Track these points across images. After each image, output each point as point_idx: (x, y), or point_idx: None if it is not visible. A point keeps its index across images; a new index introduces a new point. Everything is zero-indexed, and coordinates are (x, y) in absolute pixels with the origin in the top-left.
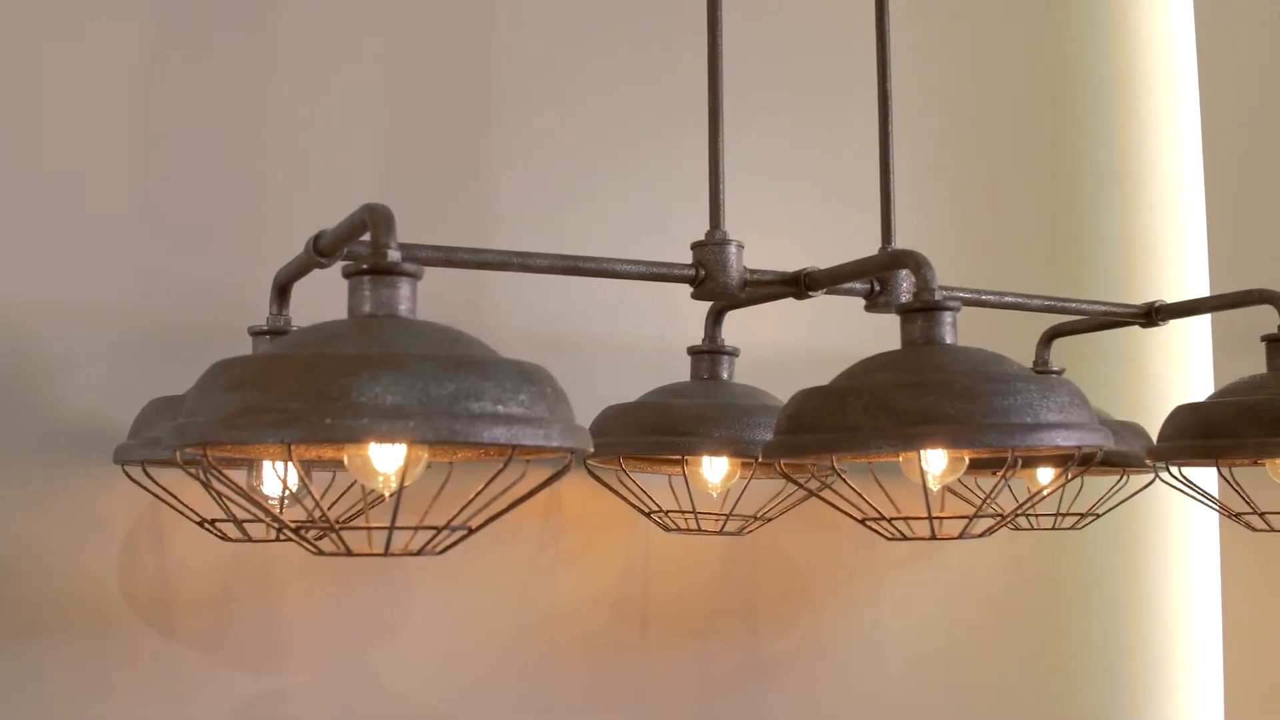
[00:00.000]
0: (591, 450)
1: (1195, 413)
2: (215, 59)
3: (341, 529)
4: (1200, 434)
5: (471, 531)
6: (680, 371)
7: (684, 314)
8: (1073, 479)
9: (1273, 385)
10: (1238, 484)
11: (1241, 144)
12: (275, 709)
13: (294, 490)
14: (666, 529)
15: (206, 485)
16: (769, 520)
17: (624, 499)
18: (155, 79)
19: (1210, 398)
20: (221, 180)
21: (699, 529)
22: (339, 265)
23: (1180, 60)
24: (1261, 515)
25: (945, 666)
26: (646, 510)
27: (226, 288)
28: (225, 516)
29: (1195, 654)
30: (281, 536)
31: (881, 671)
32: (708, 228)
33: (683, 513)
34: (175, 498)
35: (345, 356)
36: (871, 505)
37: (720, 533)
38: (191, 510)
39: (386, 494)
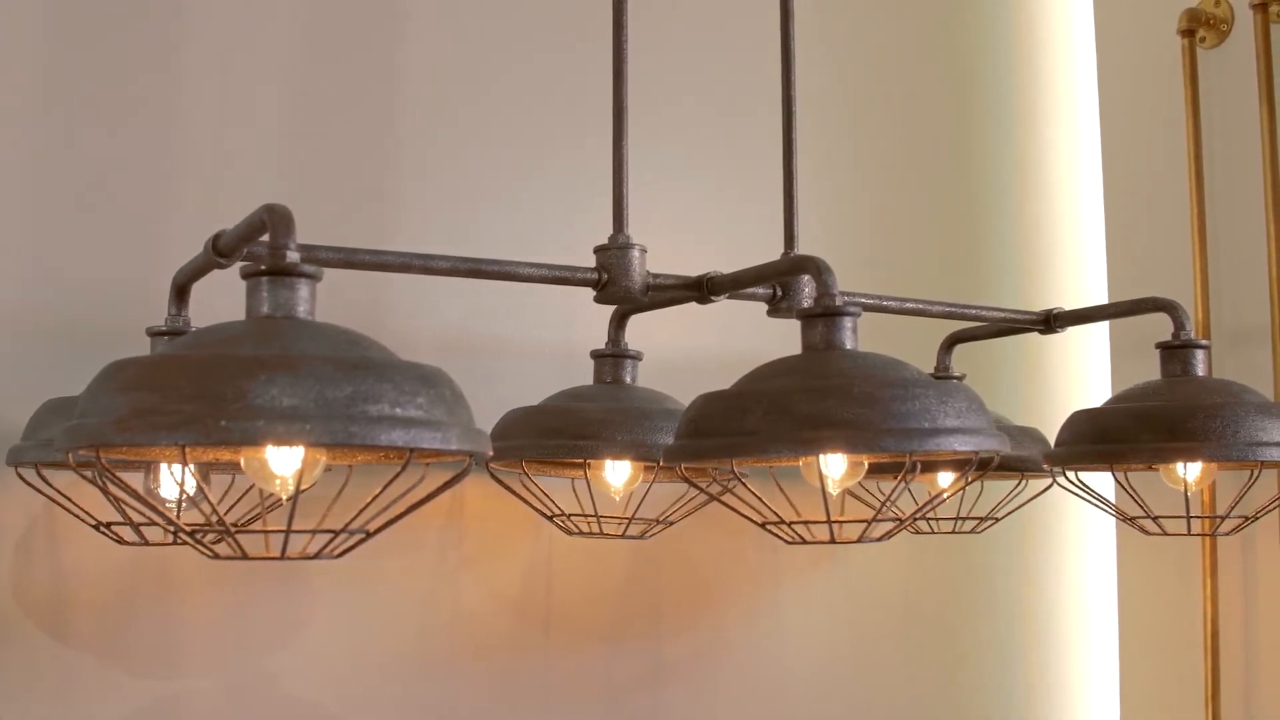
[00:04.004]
0: (490, 454)
1: (1092, 418)
2: (117, 55)
3: (238, 533)
4: (1096, 439)
5: (369, 535)
6: (584, 375)
7: (588, 317)
8: (971, 483)
9: (1166, 392)
10: (1132, 488)
11: (1140, 155)
12: (173, 714)
13: (191, 493)
14: (569, 532)
15: (102, 488)
16: (671, 524)
17: (526, 502)
18: (53, 74)
19: (1106, 403)
20: (121, 179)
21: (601, 532)
22: (239, 266)
23: (1080, 71)
24: (1155, 519)
25: (847, 668)
26: (549, 514)
27: (125, 287)
28: (121, 520)
29: (1092, 654)
30: (178, 540)
31: (784, 673)
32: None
33: (585, 516)
34: (70, 500)
35: (241, 358)
36: (772, 509)
37: (623, 536)
38: (87, 513)
39: (284, 497)
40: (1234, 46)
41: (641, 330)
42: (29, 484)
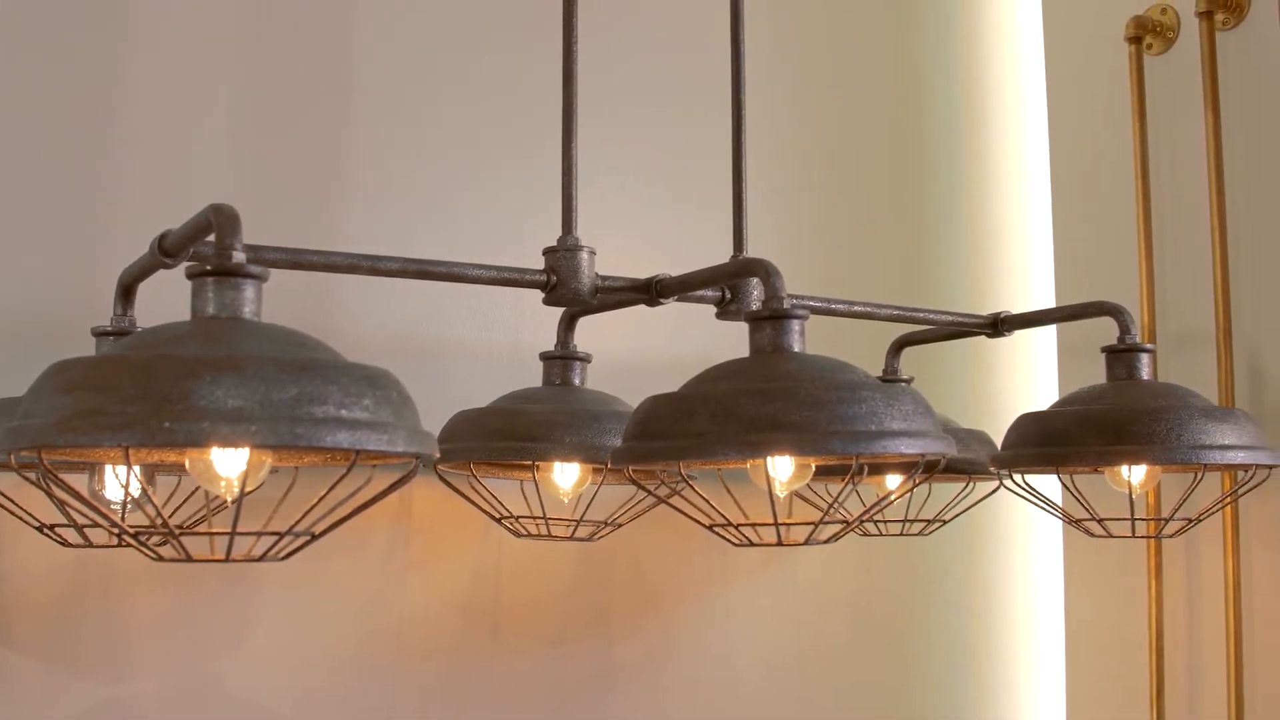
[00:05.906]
0: (437, 456)
1: (1038, 421)
2: (62, 55)
3: (182, 534)
4: (1042, 442)
5: (315, 537)
6: (533, 377)
7: (537, 320)
8: (919, 485)
9: (1111, 395)
10: (1078, 491)
11: (1087, 160)
12: (118, 717)
13: (135, 495)
14: (517, 534)
15: (46, 490)
16: (620, 526)
17: (474, 504)
18: None
19: (1053, 406)
20: (66, 177)
21: (550, 535)
22: (185, 266)
23: (1028, 74)
24: (1100, 521)
25: (796, 670)
26: (497, 516)
27: (69, 287)
28: (65, 521)
29: (1039, 655)
30: (122, 542)
31: (732, 675)
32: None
33: (534, 518)
34: (12, 502)
35: (186, 358)
36: (719, 511)
37: (571, 538)
38: (30, 515)
39: (229, 499)
40: (1180, 53)
41: (591, 332)
42: None
